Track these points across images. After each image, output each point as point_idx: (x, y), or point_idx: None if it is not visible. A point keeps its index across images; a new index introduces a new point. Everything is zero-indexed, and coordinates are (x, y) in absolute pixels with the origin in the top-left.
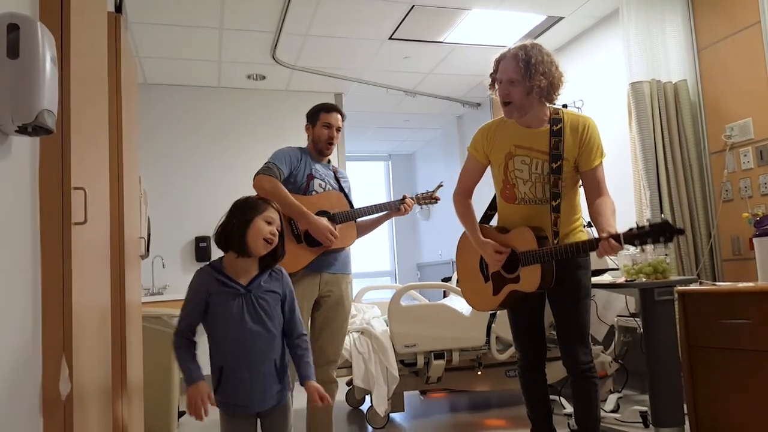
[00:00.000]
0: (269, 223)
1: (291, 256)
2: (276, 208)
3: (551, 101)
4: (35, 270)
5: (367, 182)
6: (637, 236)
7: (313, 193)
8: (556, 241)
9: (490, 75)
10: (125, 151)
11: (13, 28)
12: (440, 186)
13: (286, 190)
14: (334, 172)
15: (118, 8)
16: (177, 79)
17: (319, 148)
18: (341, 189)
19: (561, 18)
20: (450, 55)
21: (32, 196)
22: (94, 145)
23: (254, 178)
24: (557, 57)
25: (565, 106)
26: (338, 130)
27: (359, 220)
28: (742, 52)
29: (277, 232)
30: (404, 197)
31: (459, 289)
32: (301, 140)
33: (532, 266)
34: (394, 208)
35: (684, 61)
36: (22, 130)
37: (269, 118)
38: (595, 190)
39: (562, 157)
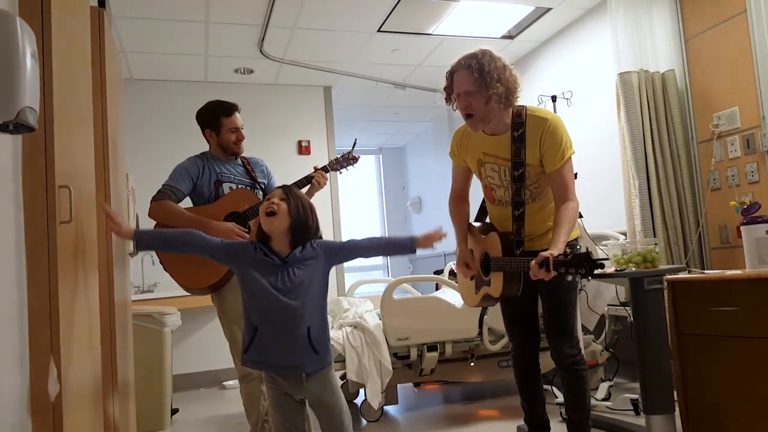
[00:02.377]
0: (268, 199)
1: (208, 269)
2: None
3: (510, 105)
4: (20, 271)
5: (358, 176)
6: (561, 264)
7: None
8: (519, 251)
9: (444, 89)
10: (111, 147)
11: None
12: (355, 142)
13: (180, 208)
14: (245, 166)
15: (102, 3)
16: (163, 74)
17: (231, 151)
18: (254, 181)
19: (549, 9)
20: (439, 47)
21: (15, 195)
22: (79, 142)
23: (149, 207)
24: (546, 48)
25: (554, 97)
26: (242, 127)
27: None
28: (728, 41)
29: (279, 203)
30: (314, 168)
31: (451, 281)
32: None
33: (497, 273)
34: (308, 183)
35: (671, 51)
36: (3, 128)
37: (258, 112)
38: (560, 193)
39: (524, 164)
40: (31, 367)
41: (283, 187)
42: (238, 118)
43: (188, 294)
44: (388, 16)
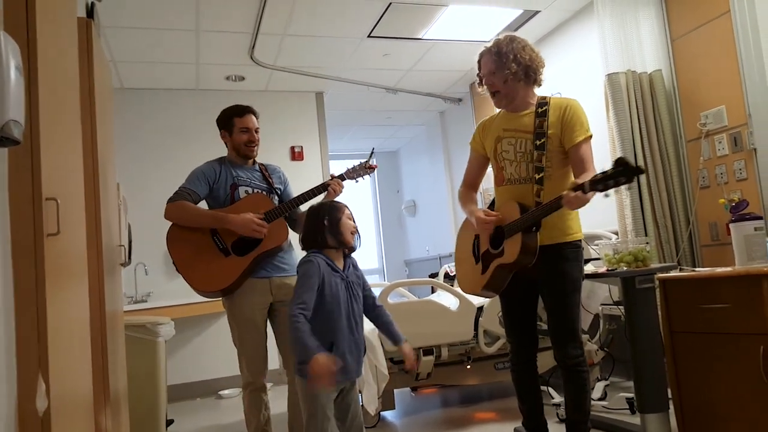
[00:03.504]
0: (350, 219)
1: (221, 271)
2: (343, 206)
3: (536, 82)
4: (7, 285)
5: (351, 181)
6: (599, 181)
7: (240, 200)
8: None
9: (477, 75)
10: (101, 157)
11: None
12: (372, 153)
13: (196, 206)
14: (261, 172)
15: (90, 14)
16: (154, 83)
17: (243, 153)
18: (271, 187)
19: (537, 12)
20: (430, 52)
21: (2, 208)
22: (67, 153)
23: (165, 208)
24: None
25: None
26: (257, 131)
27: (295, 213)
28: (713, 41)
29: (357, 226)
30: (331, 176)
31: (446, 285)
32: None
33: (514, 237)
34: (324, 191)
35: (658, 52)
36: None
37: None
38: (580, 168)
39: (546, 134)
40: (19, 383)
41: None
42: (251, 120)
43: (182, 303)
44: (378, 22)
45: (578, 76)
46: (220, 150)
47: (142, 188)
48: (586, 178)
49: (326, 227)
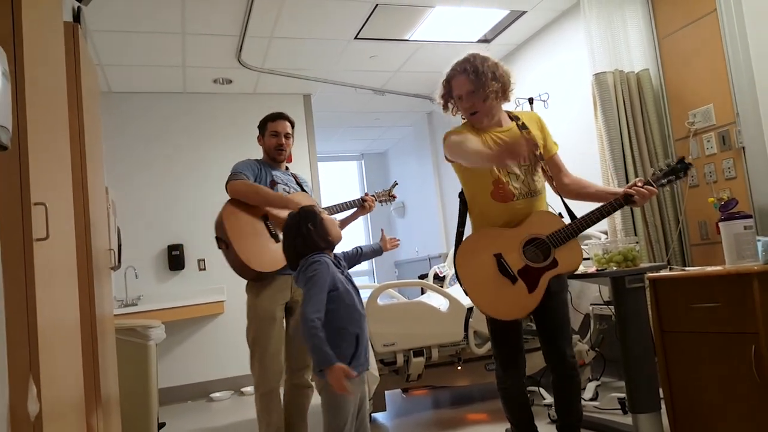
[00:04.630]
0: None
1: (270, 255)
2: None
3: (507, 99)
4: None
5: (340, 182)
6: (661, 177)
7: None
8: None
9: (441, 96)
10: (89, 161)
11: None
12: (395, 185)
13: (258, 184)
14: (294, 177)
15: (76, 17)
16: (142, 86)
17: (272, 156)
18: (303, 191)
19: (524, 12)
20: (417, 53)
21: None
22: (55, 158)
23: (227, 186)
24: (522, 51)
25: (531, 100)
26: (287, 136)
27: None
28: (700, 39)
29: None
30: (366, 194)
31: (436, 286)
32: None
33: (569, 243)
34: (359, 206)
35: (645, 51)
36: None
37: (237, 121)
38: (563, 172)
39: (538, 145)
40: (11, 387)
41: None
42: (282, 125)
43: (172, 306)
44: (365, 24)
45: (565, 76)
46: (209, 152)
47: (130, 192)
48: (572, 181)
49: (313, 232)
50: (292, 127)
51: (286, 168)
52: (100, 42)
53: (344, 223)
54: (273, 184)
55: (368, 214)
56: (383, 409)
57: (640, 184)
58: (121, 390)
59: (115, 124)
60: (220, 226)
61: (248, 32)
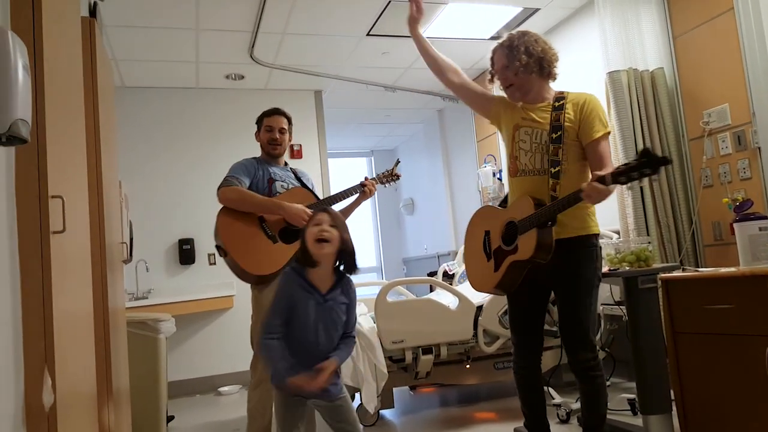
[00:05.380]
0: (317, 225)
1: (269, 257)
2: (320, 214)
3: (550, 76)
4: (14, 281)
5: (350, 179)
6: (622, 173)
7: (277, 194)
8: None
9: (489, 71)
10: (104, 156)
11: None
12: (398, 162)
13: (249, 191)
14: (293, 173)
15: (93, 13)
16: (155, 81)
17: (266, 151)
18: (304, 187)
19: (537, 9)
20: None
21: (9, 206)
22: (72, 151)
23: (218, 193)
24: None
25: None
26: (282, 131)
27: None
28: (716, 38)
29: (330, 229)
30: (365, 178)
31: (445, 283)
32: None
33: (529, 232)
34: (359, 192)
35: (660, 49)
36: None
37: (249, 117)
38: (599, 164)
39: (562, 127)
40: (26, 378)
41: (329, 213)
42: (277, 120)
43: (182, 300)
44: (377, 20)
45: (579, 74)
46: (220, 148)
47: (142, 186)
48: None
49: (302, 241)
50: (289, 122)
51: (285, 163)
52: (115, 37)
53: (347, 212)
54: (271, 181)
55: (377, 211)
56: (391, 406)
57: (593, 178)
58: (131, 382)
59: (128, 118)
60: (217, 234)
61: (261, 28)
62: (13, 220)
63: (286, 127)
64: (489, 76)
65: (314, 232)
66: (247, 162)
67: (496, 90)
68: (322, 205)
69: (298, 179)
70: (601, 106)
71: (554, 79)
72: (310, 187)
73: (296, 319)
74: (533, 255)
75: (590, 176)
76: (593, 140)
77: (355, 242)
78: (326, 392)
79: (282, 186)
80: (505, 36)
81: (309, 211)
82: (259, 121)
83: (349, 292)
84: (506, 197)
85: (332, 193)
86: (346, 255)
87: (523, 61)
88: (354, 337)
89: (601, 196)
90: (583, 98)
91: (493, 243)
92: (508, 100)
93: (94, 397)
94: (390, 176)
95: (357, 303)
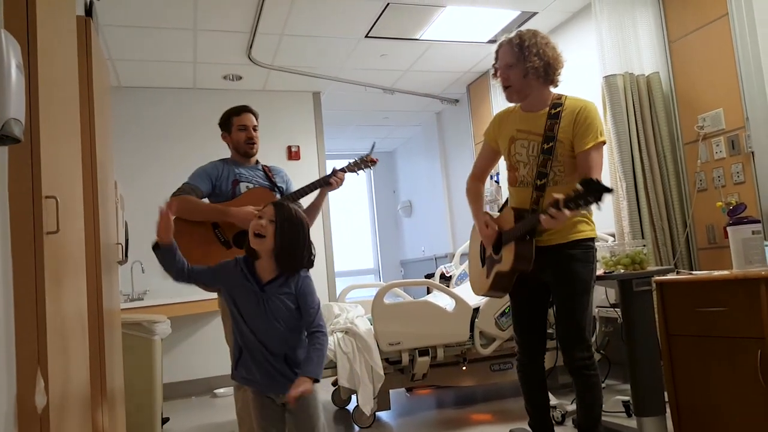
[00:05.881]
0: (259, 218)
1: None
2: (267, 207)
3: (553, 82)
4: (6, 282)
5: (347, 181)
6: (570, 200)
7: (241, 195)
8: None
9: (493, 65)
10: (99, 156)
11: None
12: (373, 146)
13: (198, 200)
14: (264, 171)
15: (88, 12)
16: (152, 82)
17: (243, 151)
18: (273, 185)
19: (535, 13)
20: (427, 52)
21: (2, 206)
22: (66, 151)
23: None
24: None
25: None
26: (255, 129)
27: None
28: (711, 43)
29: (267, 225)
30: (333, 170)
31: (442, 285)
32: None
33: (509, 245)
34: (325, 184)
35: (656, 54)
36: None
37: None
38: (585, 175)
39: (556, 138)
40: (18, 379)
41: (276, 207)
42: (249, 118)
43: (178, 301)
44: (376, 22)
45: (575, 78)
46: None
47: (138, 186)
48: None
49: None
50: (257, 119)
51: (257, 162)
52: (111, 36)
53: (313, 208)
54: (235, 183)
55: (375, 213)
56: (387, 407)
57: (549, 203)
58: (126, 384)
59: (124, 118)
60: None
61: (259, 29)
62: (6, 221)
63: (257, 123)
64: (492, 71)
65: (253, 225)
66: (210, 167)
67: (497, 93)
68: (285, 200)
69: (269, 178)
70: (597, 114)
71: (556, 85)
72: (284, 185)
73: (231, 302)
74: (512, 267)
75: None
76: (584, 150)
77: (351, 244)
78: (275, 387)
79: (247, 187)
80: (514, 33)
81: (257, 211)
82: (227, 122)
83: (291, 283)
84: (506, 202)
85: (330, 194)
86: (282, 251)
87: (535, 64)
88: (321, 332)
89: (558, 222)
90: (579, 106)
91: (487, 250)
92: (499, 117)
93: (87, 399)
94: (365, 162)
95: (354, 305)
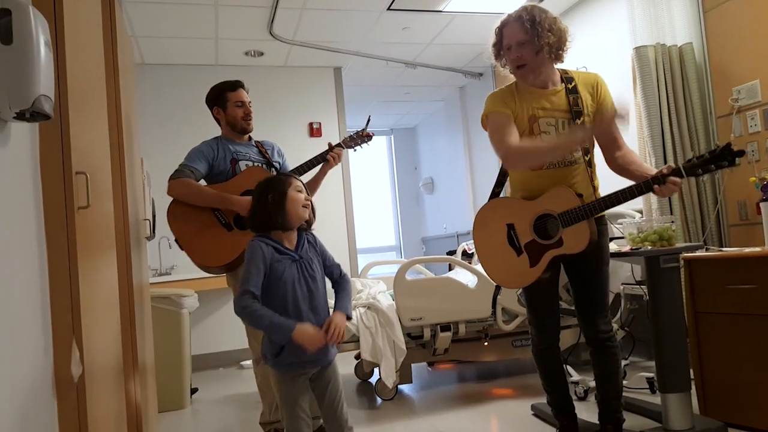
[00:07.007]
0: (300, 191)
1: (226, 246)
2: (297, 178)
3: (560, 59)
4: (41, 256)
5: (369, 157)
6: (698, 165)
7: (241, 173)
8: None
9: (493, 45)
10: (126, 132)
11: (4, 14)
12: (368, 121)
13: (198, 184)
14: (257, 147)
15: None
16: (174, 58)
17: (240, 127)
18: (269, 161)
19: None
20: (450, 25)
21: (34, 182)
22: (94, 128)
23: (168, 184)
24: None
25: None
26: (250, 103)
27: None
28: (749, 12)
29: (309, 195)
30: (330, 145)
31: (464, 262)
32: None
33: (577, 225)
34: (323, 161)
35: (689, 24)
36: (20, 116)
37: (268, 94)
38: (615, 145)
39: (583, 113)
40: (55, 350)
41: (297, 177)
42: (244, 93)
43: (205, 276)
44: None
45: (605, 49)
46: None
47: (163, 164)
48: (623, 154)
49: (270, 204)
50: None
51: (249, 138)
52: (134, 13)
53: (314, 182)
54: (234, 162)
55: (397, 190)
56: (409, 381)
57: (666, 171)
58: (156, 355)
59: (148, 95)
60: (171, 228)
61: (280, 3)
62: (39, 197)
63: (249, 99)
64: (494, 52)
65: (300, 198)
66: (205, 147)
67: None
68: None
69: (263, 154)
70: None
71: (562, 61)
72: (278, 159)
73: (275, 281)
74: (587, 247)
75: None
76: (608, 119)
77: (373, 221)
78: (325, 352)
79: (246, 165)
80: (519, 9)
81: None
82: (220, 98)
83: (315, 243)
84: (495, 188)
85: (351, 171)
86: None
87: (550, 40)
88: (347, 277)
89: (675, 189)
90: (593, 79)
91: (523, 237)
92: (506, 92)
93: (120, 369)
94: (361, 137)
95: (376, 281)
